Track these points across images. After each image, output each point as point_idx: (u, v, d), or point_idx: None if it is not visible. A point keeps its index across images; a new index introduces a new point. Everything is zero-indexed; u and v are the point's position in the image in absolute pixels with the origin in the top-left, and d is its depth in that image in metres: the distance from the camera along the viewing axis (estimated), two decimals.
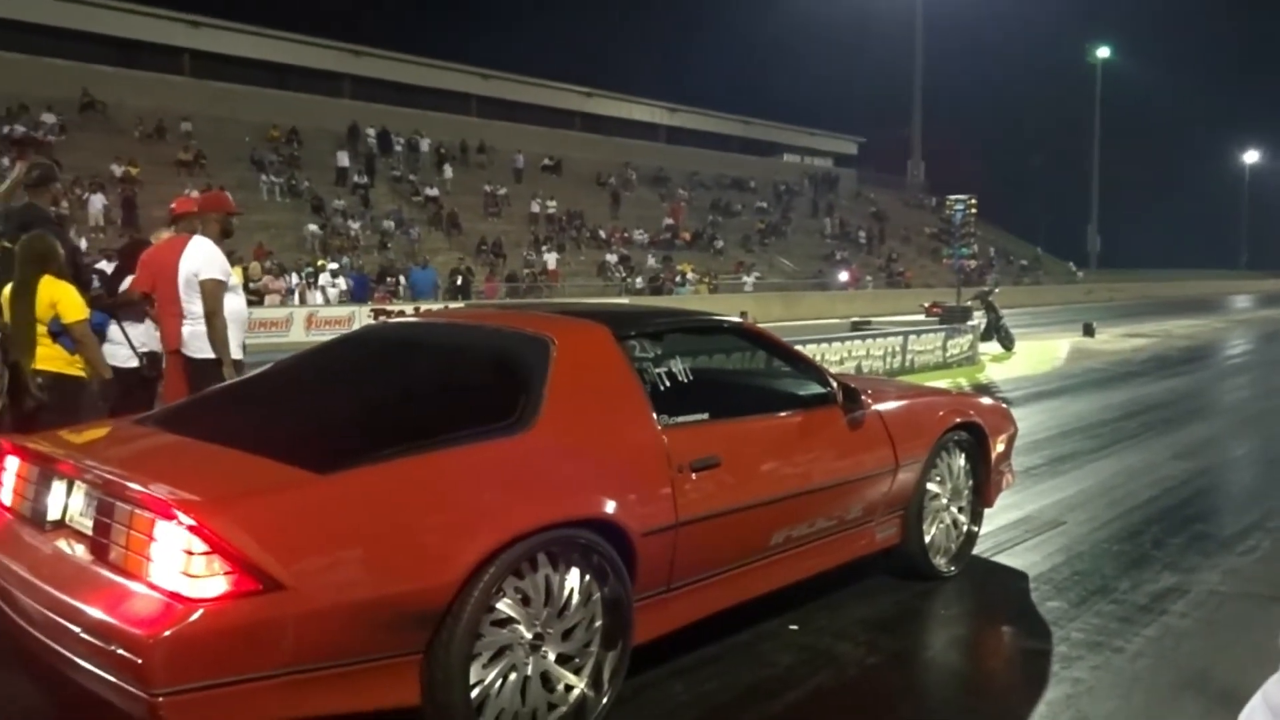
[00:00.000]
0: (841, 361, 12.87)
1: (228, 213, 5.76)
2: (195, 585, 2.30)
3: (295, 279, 24.92)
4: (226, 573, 2.31)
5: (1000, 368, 15.56)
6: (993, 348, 17.37)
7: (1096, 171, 65.83)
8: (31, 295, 4.81)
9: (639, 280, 32.71)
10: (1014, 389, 12.50)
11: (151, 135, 31.01)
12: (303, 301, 23.90)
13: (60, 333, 4.86)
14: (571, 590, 2.96)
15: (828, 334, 14.23)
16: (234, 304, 5.55)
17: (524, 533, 2.76)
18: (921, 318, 18.02)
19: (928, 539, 4.46)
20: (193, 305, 5.44)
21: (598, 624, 3.03)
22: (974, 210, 21.60)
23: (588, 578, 2.99)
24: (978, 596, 4.55)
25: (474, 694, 2.70)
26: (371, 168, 34.33)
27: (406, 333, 4.09)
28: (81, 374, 4.95)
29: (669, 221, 39.76)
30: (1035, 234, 62.23)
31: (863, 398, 4.08)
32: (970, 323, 16.72)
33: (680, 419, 3.38)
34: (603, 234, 36.69)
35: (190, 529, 2.31)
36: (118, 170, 27.21)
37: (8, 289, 4.89)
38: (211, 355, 5.40)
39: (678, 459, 3.26)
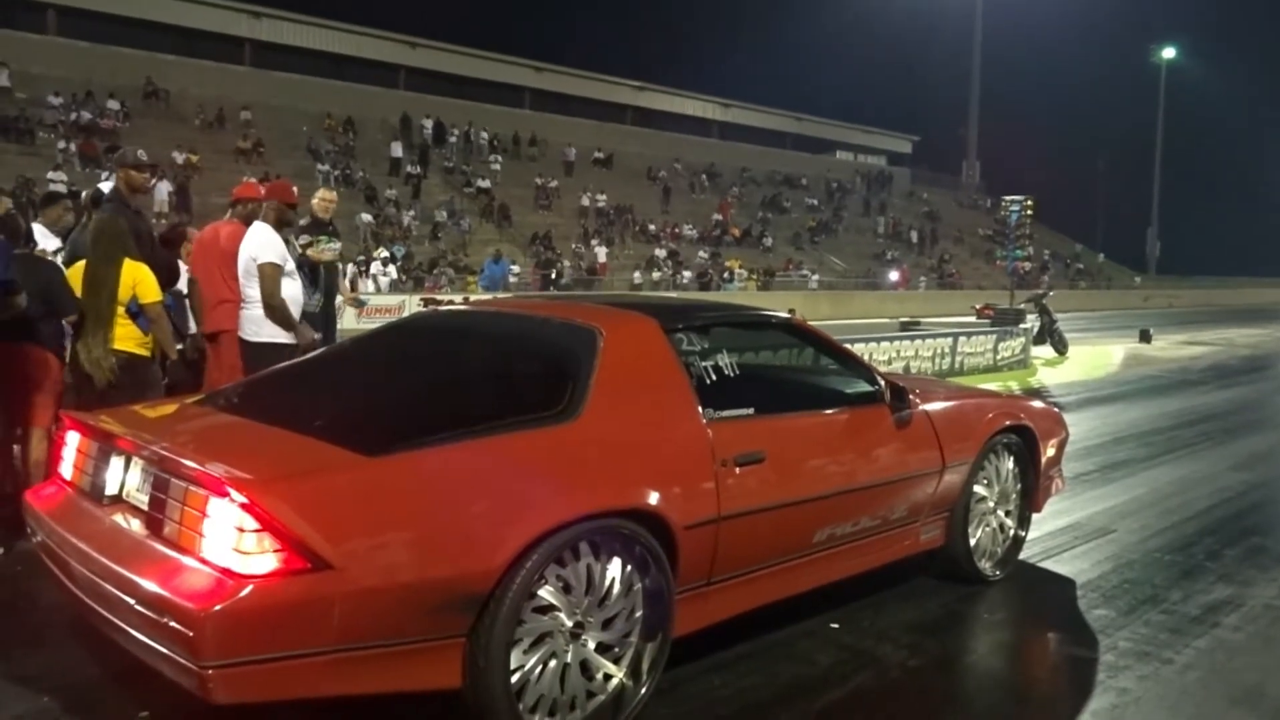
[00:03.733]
0: (889, 361, 12.74)
1: (287, 203, 5.89)
2: (246, 562, 2.35)
3: (350, 268, 25.25)
4: (276, 550, 2.36)
5: (1053, 372, 15.32)
6: (1045, 352, 17.09)
7: (1158, 174, 64.50)
8: (116, 275, 4.91)
9: (686, 275, 32.66)
10: (1066, 394, 12.31)
11: (212, 123, 31.63)
12: (354, 289, 24.20)
13: (138, 313, 4.99)
14: (613, 580, 2.97)
15: (876, 334, 14.07)
16: (290, 289, 5.67)
17: (567, 521, 2.77)
18: (973, 319, 17.78)
19: (973, 542, 4.42)
20: (250, 289, 5.57)
21: (638, 614, 3.04)
22: (1030, 212, 21.24)
23: (629, 568, 3.01)
24: (1023, 602, 4.49)
25: (514, 679, 2.72)
26: (425, 158, 34.68)
27: (456, 321, 4.13)
28: (149, 354, 5.07)
29: (718, 217, 39.67)
30: (1093, 238, 61.11)
31: (910, 397, 4.05)
32: (1023, 325, 16.45)
33: (725, 413, 3.38)
34: (652, 228, 36.71)
35: (242, 507, 2.36)
36: (179, 158, 27.77)
37: (78, 267, 4.99)
38: (266, 339, 5.52)
39: (722, 453, 3.26)
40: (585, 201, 36.26)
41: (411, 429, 2.79)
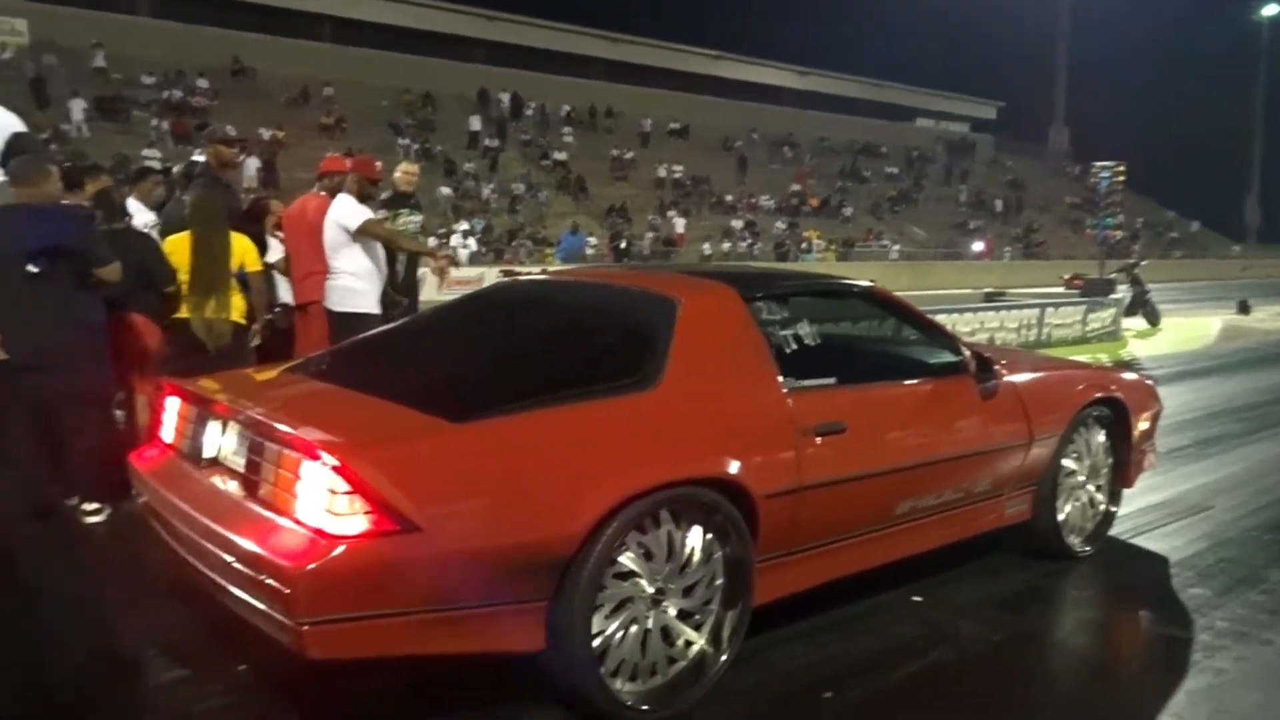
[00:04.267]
0: (973, 333, 12.49)
1: (369, 177, 6.03)
2: (337, 523, 2.42)
3: (432, 240, 25.65)
4: (366, 512, 2.42)
5: (1145, 344, 14.89)
6: (1137, 323, 16.60)
7: (1260, 139, 61.60)
8: (227, 245, 5.12)
9: (759, 246, 32.39)
10: (1159, 367, 11.92)
11: (296, 100, 32.28)
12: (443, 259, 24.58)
13: (243, 282, 5.20)
14: (693, 548, 2.98)
15: (959, 304, 13.78)
16: (374, 259, 5.79)
17: (647, 489, 2.79)
18: (1061, 290, 17.32)
19: (1061, 517, 4.31)
20: (336, 260, 5.74)
21: (719, 582, 3.05)
22: (1121, 178, 20.53)
23: (709, 536, 3.01)
24: (1113, 579, 4.38)
25: (595, 643, 2.76)
26: (503, 131, 34.94)
27: (536, 291, 4.16)
28: (246, 323, 5.28)
29: (796, 187, 39.18)
30: (1188, 205, 58.53)
31: (996, 368, 3.96)
32: (1113, 296, 15.96)
33: (806, 383, 3.35)
34: (729, 199, 36.45)
35: (334, 469, 2.43)
36: (265, 134, 28.44)
37: (175, 239, 5.15)
38: (351, 309, 5.66)
39: (802, 423, 3.23)
40: (661, 173, 36.16)
41: (494, 396, 2.83)
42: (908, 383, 3.81)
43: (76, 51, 29.02)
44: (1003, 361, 4.12)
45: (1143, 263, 19.28)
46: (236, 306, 5.15)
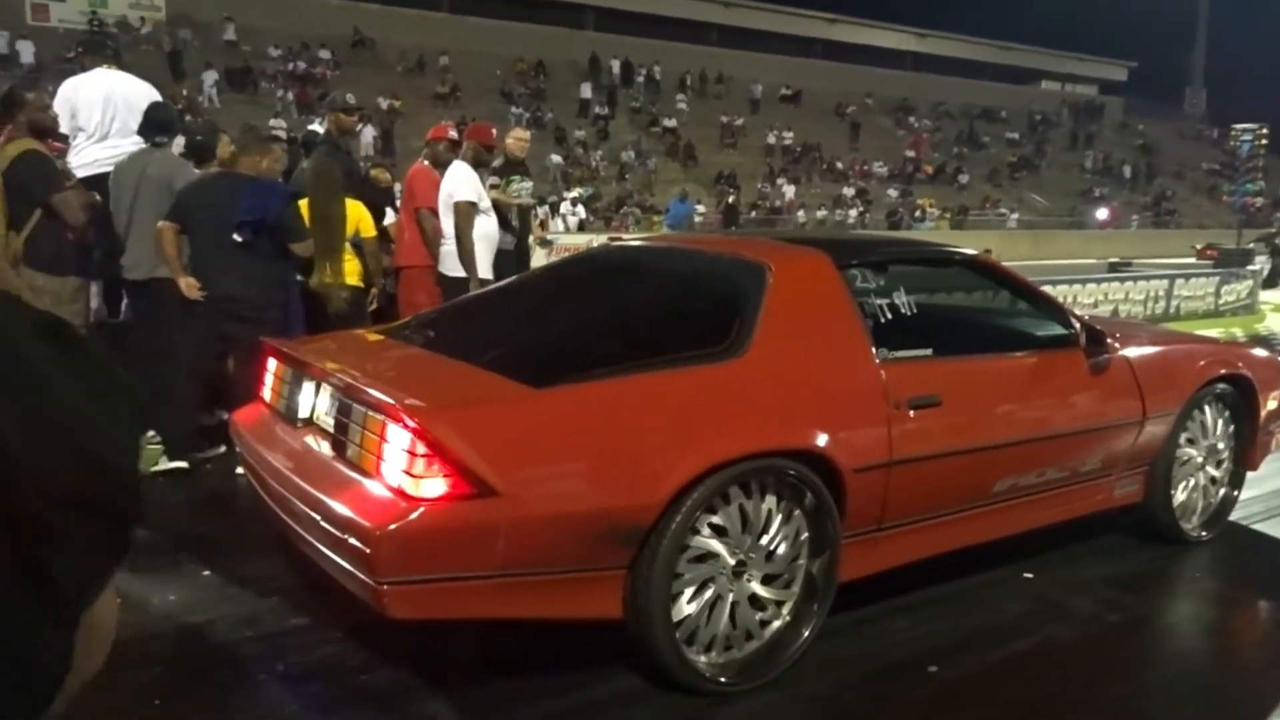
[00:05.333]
0: (1096, 305, 12.01)
1: (485, 144, 6.08)
2: (418, 485, 2.45)
3: (544, 209, 25.89)
4: (445, 475, 2.44)
5: None
6: (1276, 296, 15.76)
7: None
8: (342, 212, 5.29)
9: (870, 215, 31.64)
10: None
11: (413, 70, 32.88)
12: (543, 228, 24.82)
13: (358, 248, 5.37)
14: (776, 521, 2.93)
15: (1081, 275, 13.22)
16: (485, 226, 5.88)
17: (730, 459, 2.74)
18: (1192, 261, 16.47)
19: (1175, 500, 4.09)
20: (448, 226, 5.81)
21: (802, 557, 2.99)
22: (1264, 142, 19.28)
23: (794, 509, 2.95)
24: (1235, 564, 4.18)
25: (674, 614, 2.74)
26: (613, 99, 34.91)
27: (629, 256, 4.13)
28: (364, 286, 5.46)
29: (910, 154, 38.06)
30: None
31: (1108, 341, 3.75)
32: (1250, 267, 15.08)
33: (901, 354, 3.24)
34: (840, 166, 35.67)
35: (414, 432, 2.46)
36: (384, 103, 29.11)
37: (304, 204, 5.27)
38: (460, 273, 5.74)
39: (895, 395, 3.13)
40: (771, 140, 35.60)
41: (578, 362, 2.82)
42: (1010, 355, 3.65)
43: (209, 25, 30.22)
44: (1118, 334, 3.91)
45: None
46: (353, 271, 5.30)
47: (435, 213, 5.87)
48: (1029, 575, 3.83)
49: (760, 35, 43.44)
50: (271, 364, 3.39)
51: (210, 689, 2.90)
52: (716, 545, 2.83)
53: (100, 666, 0.64)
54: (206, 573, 3.65)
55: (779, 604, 2.97)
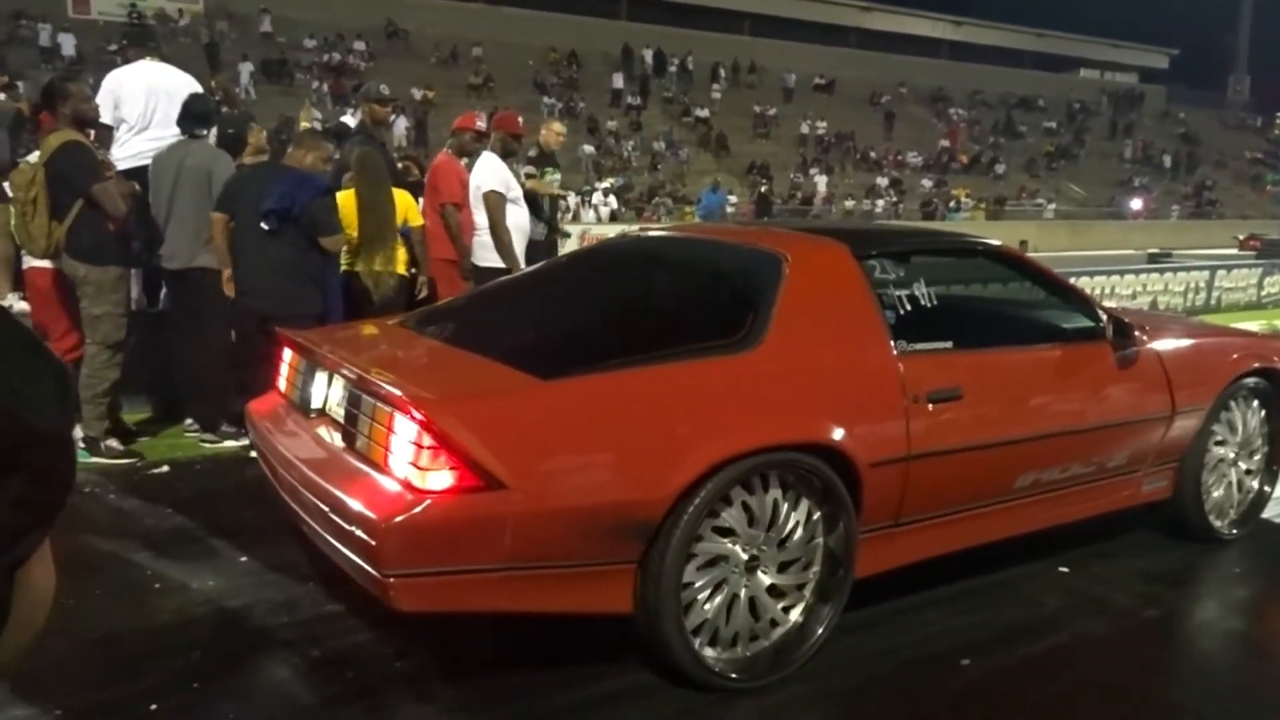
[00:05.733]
0: (1134, 296, 11.84)
1: (512, 134, 6.07)
2: (424, 477, 2.43)
3: (572, 198, 25.88)
4: (452, 468, 2.43)
5: None
6: None
7: None
8: (390, 200, 5.29)
9: (904, 205, 31.31)
10: None
11: (446, 60, 32.96)
12: (576, 219, 24.80)
13: (406, 237, 5.41)
14: (790, 515, 2.88)
15: (1119, 266, 13.00)
16: (516, 216, 5.87)
17: (742, 452, 2.70)
18: (1234, 252, 16.13)
19: (1205, 496, 3.99)
20: (479, 216, 5.81)
21: (817, 552, 2.95)
22: None
23: (808, 504, 2.91)
24: (1274, 559, 4.11)
25: (686, 608, 2.71)
26: (645, 89, 34.79)
27: (646, 247, 4.08)
28: (409, 275, 5.50)
29: (945, 143, 37.61)
30: None
31: (1136, 334, 3.66)
32: None
33: (920, 346, 3.18)
34: (874, 156, 35.34)
35: (420, 424, 2.44)
36: (417, 94, 29.21)
37: (344, 195, 5.30)
38: (495, 264, 5.73)
39: (914, 388, 3.07)
40: (804, 129, 35.33)
41: (588, 353, 2.79)
42: (1034, 348, 3.57)
43: (246, 17, 30.46)
44: (1147, 327, 3.82)
45: None
46: (401, 260, 5.34)
47: (459, 206, 5.85)
48: (1064, 569, 3.79)
49: (794, 24, 43.05)
50: (287, 354, 3.39)
51: (247, 674, 2.93)
52: (727, 544, 2.79)
53: (38, 632, 0.67)
54: (244, 559, 3.68)
55: (792, 599, 2.92)
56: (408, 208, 5.41)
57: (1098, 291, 11.52)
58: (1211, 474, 4.01)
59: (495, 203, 5.71)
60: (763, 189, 27.81)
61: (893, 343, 3.13)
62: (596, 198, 26.19)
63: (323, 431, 2.98)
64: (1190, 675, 3.22)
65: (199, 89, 5.68)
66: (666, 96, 35.45)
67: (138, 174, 5.26)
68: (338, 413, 2.94)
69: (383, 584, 2.42)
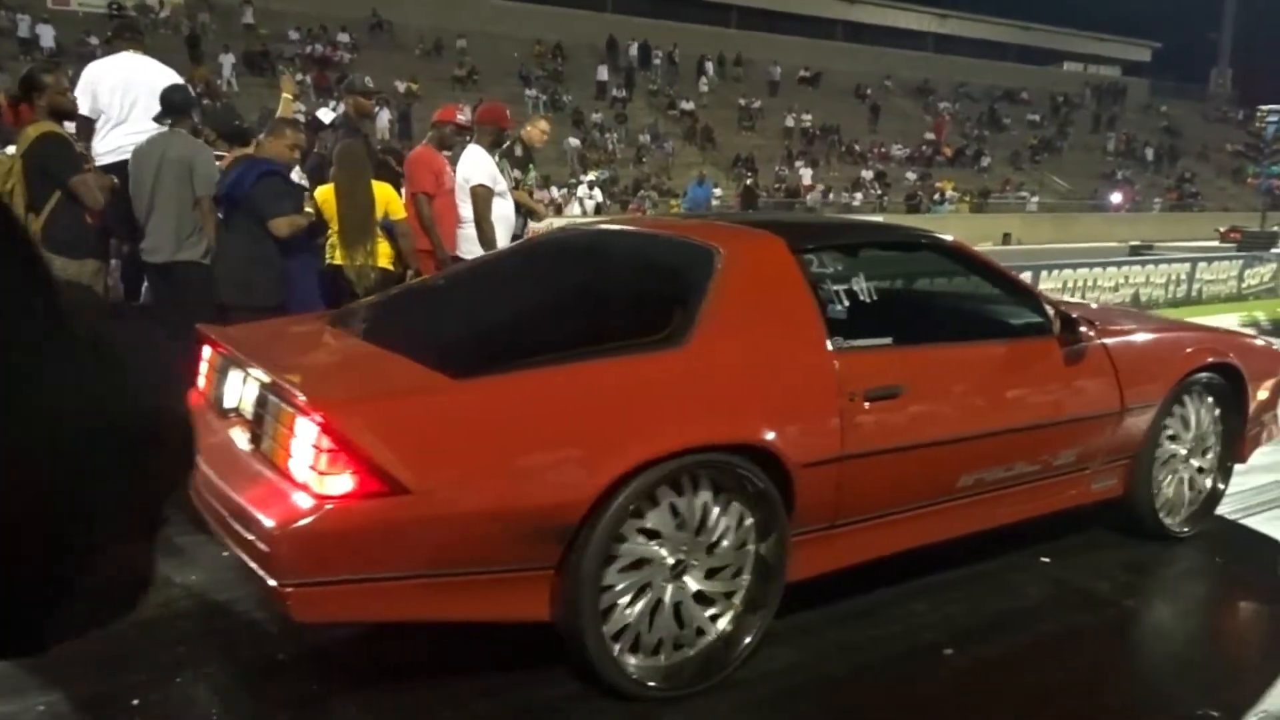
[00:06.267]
0: (1116, 288, 11.94)
1: (500, 126, 5.99)
2: (323, 482, 2.33)
3: (555, 191, 25.74)
4: (353, 472, 2.32)
5: None
6: None
7: None
8: (370, 192, 5.20)
9: (889, 198, 31.26)
10: None
11: (430, 52, 32.71)
12: (559, 213, 24.66)
13: (389, 230, 5.32)
14: (721, 519, 2.79)
15: (1102, 258, 13.04)
16: (502, 208, 5.80)
17: (664, 454, 2.60)
18: (1215, 244, 16.16)
19: (1157, 493, 3.92)
20: (464, 209, 5.74)
21: (749, 557, 2.86)
22: None
23: (740, 507, 2.82)
24: (1264, 548, 4.13)
25: (605, 612, 2.62)
26: (631, 81, 34.64)
27: (580, 241, 3.94)
28: (395, 269, 5.42)
29: (930, 136, 37.57)
30: None
31: (1083, 329, 3.58)
32: (1275, 250, 14.76)
33: (859, 343, 3.08)
34: (859, 148, 35.26)
35: (320, 426, 2.33)
36: (401, 86, 28.98)
37: (325, 189, 5.25)
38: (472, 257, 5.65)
39: (850, 386, 2.98)
40: (790, 122, 35.22)
41: (506, 351, 2.69)
42: (978, 344, 3.48)
43: (228, 8, 30.15)
44: (1097, 322, 3.74)
45: None
46: (384, 254, 5.26)
47: (431, 197, 5.79)
48: (1046, 559, 3.81)
49: (779, 17, 42.92)
50: (206, 351, 3.28)
51: (232, 667, 2.90)
52: (652, 546, 2.70)
53: None
54: (227, 553, 3.59)
55: (721, 603, 2.84)
56: (389, 200, 5.31)
57: (1081, 284, 11.52)
58: (1164, 471, 3.94)
59: (483, 196, 5.64)
60: (748, 181, 27.68)
61: (830, 339, 3.03)
62: (582, 190, 26.05)
63: (234, 432, 2.87)
64: (1169, 664, 3.25)
65: (179, 81, 5.59)
66: (652, 89, 35.30)
67: (118, 168, 5.17)
68: (248, 413, 2.83)
69: (280, 593, 2.31)
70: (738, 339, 2.91)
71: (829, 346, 3.02)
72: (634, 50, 36.31)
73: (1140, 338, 3.91)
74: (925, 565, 3.46)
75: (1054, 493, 3.64)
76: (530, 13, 36.48)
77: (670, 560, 2.74)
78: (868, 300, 3.23)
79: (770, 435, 2.79)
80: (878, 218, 28.10)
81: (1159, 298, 12.52)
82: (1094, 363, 3.60)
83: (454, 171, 5.90)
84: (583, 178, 26.94)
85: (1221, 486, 4.15)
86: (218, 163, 5.22)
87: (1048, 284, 11.22)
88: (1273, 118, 18.92)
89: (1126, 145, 43.00)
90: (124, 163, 5.17)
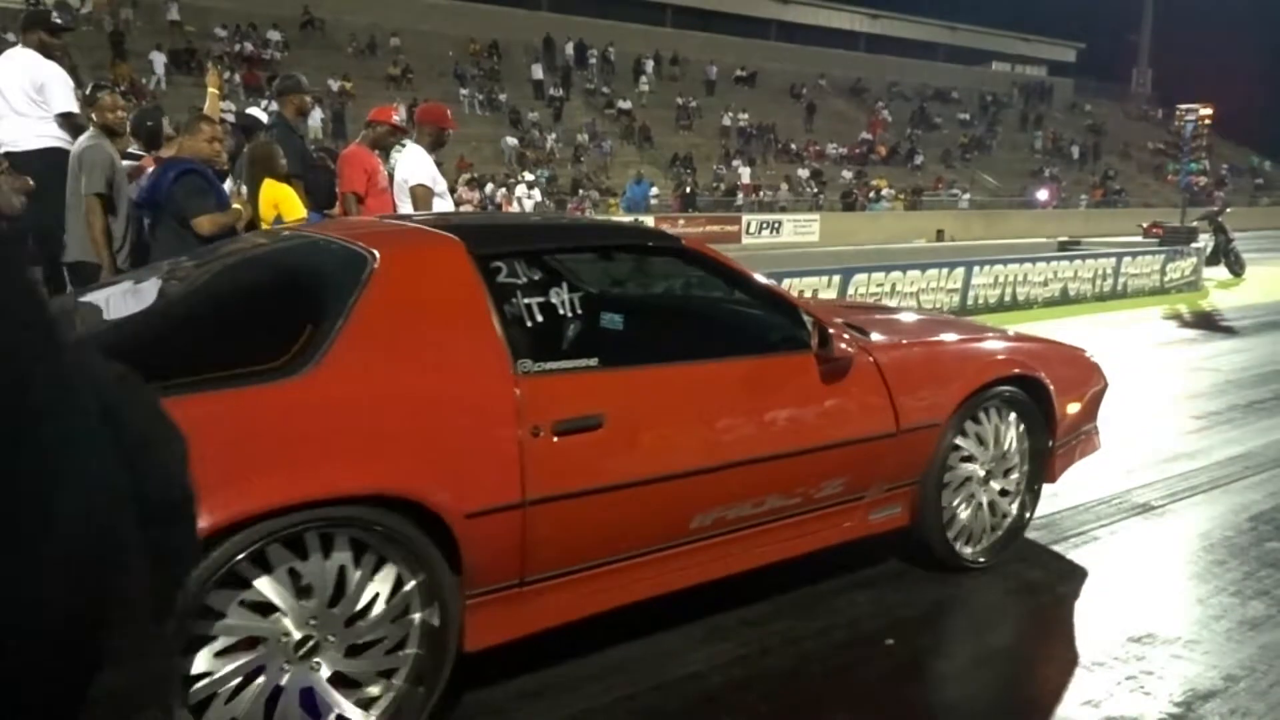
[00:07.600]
0: (1045, 283, 12.11)
1: (441, 126, 5.89)
2: None
3: (491, 189, 25.09)
4: None
5: (1227, 294, 14.02)
6: (1220, 273, 15.64)
7: None
8: (256, 195, 5.05)
9: (825, 196, 31.05)
10: (1241, 317, 11.39)
11: (363, 51, 31.92)
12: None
13: None
14: (366, 584, 2.32)
15: (1031, 254, 13.06)
16: (441, 208, 5.75)
17: (257, 513, 2.10)
18: (1139, 239, 16.18)
19: (950, 520, 3.49)
20: (405, 208, 5.66)
21: (412, 627, 2.40)
22: (1208, 122, 18.84)
23: (396, 569, 2.35)
24: (1191, 530, 4.10)
25: (199, 707, 2.13)
26: (567, 80, 34.13)
27: (246, 249, 3.26)
28: None
29: (865, 135, 37.47)
30: (1278, 150, 53.39)
31: (844, 343, 3.10)
32: (1195, 245, 14.76)
33: (552, 365, 2.60)
34: (794, 147, 35.03)
35: None
36: (334, 85, 28.16)
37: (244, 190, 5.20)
38: None
39: (535, 417, 2.50)
40: (727, 121, 34.91)
41: None
42: (712, 362, 2.95)
43: (153, 5, 29.12)
44: (872, 333, 3.30)
45: (1227, 210, 17.94)
46: None
47: (360, 198, 5.66)
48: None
49: (714, 16, 42.72)
50: None
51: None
52: (264, 623, 2.22)
53: None
54: None
55: (376, 683, 2.37)
56: (279, 200, 5.05)
57: (1011, 279, 11.40)
58: (957, 495, 3.50)
59: (423, 196, 5.54)
60: (687, 188, 27.41)
61: (516, 362, 2.56)
62: (520, 190, 25.43)
63: None
64: (1100, 641, 3.13)
65: (58, 76, 5.47)
66: (589, 88, 34.83)
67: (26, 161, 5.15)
68: None
69: None
70: (381, 365, 2.41)
71: (513, 371, 2.54)
72: (570, 49, 35.80)
73: (920, 349, 3.46)
74: (866, 558, 3.59)
75: (820, 527, 3.18)
76: (465, 11, 35.87)
77: (297, 636, 2.26)
78: (570, 315, 2.74)
79: (417, 481, 2.31)
80: (814, 216, 27.93)
81: (1086, 291, 12.57)
82: (861, 379, 3.14)
83: (387, 171, 5.90)
84: (522, 177, 26.35)
85: (1029, 514, 3.72)
86: (130, 163, 5.27)
87: (980, 279, 11.18)
88: (1190, 117, 18.84)
89: (1053, 143, 43.37)
90: (18, 155, 5.17)
